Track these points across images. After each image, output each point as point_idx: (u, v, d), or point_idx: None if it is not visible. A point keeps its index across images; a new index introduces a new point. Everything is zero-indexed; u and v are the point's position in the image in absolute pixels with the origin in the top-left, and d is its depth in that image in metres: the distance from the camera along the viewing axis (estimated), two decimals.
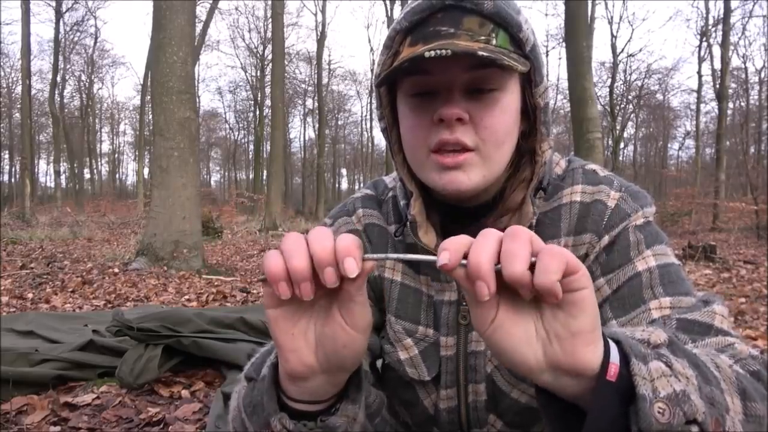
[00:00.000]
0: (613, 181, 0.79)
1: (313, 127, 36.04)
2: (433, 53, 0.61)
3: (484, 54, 0.62)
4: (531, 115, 0.74)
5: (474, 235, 0.45)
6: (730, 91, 22.51)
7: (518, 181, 0.76)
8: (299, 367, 0.52)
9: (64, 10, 25.96)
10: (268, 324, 0.52)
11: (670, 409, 0.44)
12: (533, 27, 0.72)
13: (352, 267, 0.45)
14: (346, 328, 0.50)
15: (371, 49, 34.62)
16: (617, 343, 0.47)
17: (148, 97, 17.42)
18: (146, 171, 24.69)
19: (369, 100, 35.92)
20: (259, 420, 0.56)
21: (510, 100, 0.70)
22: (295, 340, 0.51)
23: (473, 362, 0.79)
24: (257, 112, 29.80)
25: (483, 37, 0.66)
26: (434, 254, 0.76)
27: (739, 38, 23.43)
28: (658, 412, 0.43)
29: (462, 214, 0.77)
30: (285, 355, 0.52)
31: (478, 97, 0.69)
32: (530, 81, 0.72)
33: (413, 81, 0.70)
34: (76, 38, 29.59)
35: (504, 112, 0.69)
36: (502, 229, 0.73)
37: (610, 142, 24.55)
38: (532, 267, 0.43)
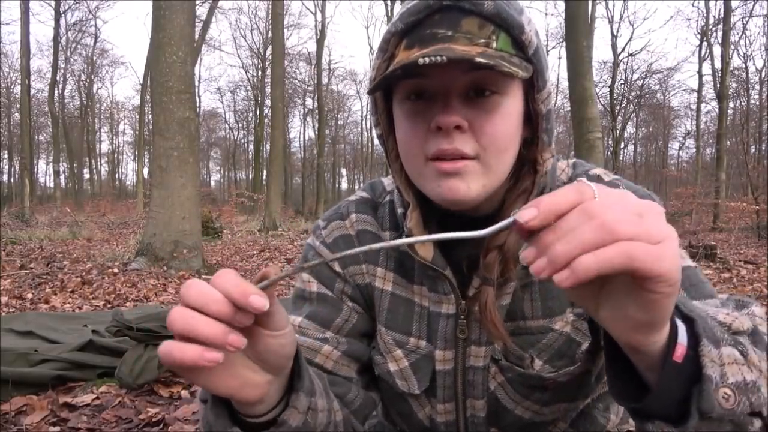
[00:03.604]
0: (619, 187, 0.75)
1: (313, 126, 36.04)
2: (427, 60, 0.57)
3: (482, 61, 0.58)
4: (533, 121, 0.70)
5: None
6: (731, 90, 22.50)
7: (518, 191, 0.72)
8: (255, 393, 0.52)
9: (63, 9, 25.97)
10: (208, 390, 0.51)
11: (736, 397, 0.43)
12: (536, 28, 0.68)
13: (261, 303, 0.44)
14: (273, 334, 0.50)
15: (371, 49, 34.66)
16: (690, 321, 0.45)
17: (148, 96, 17.47)
18: (146, 171, 24.75)
19: (369, 100, 35.87)
20: None
21: (511, 104, 0.66)
22: (238, 378, 0.50)
23: (471, 377, 0.76)
24: (257, 112, 29.82)
25: (482, 40, 0.63)
26: (432, 265, 0.74)
27: (740, 38, 23.45)
28: (723, 397, 0.42)
29: (461, 226, 0.74)
30: (237, 396, 0.51)
31: (478, 101, 0.65)
32: (533, 85, 0.68)
33: (409, 85, 0.66)
34: (76, 38, 29.64)
35: (505, 118, 0.65)
36: (502, 243, 0.71)
37: (610, 141, 24.56)
38: None
